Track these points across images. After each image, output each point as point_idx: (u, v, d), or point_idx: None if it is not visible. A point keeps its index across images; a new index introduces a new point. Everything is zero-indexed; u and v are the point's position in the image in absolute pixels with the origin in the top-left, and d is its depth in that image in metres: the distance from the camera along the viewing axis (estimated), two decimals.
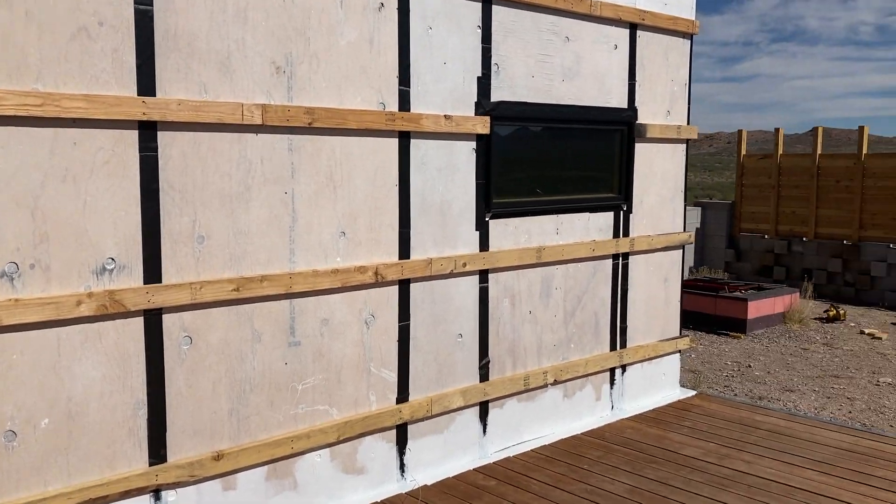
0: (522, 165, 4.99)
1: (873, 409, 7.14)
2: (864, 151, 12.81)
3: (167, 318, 3.44)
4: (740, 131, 14.39)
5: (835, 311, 11.07)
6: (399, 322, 4.29)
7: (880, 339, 10.07)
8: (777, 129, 13.90)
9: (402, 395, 4.35)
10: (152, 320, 3.40)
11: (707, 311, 10.53)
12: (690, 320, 10.62)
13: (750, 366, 8.65)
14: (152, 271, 3.38)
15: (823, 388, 7.80)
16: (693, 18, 5.86)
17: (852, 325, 10.95)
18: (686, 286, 11.19)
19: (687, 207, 14.38)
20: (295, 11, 3.73)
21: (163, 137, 3.38)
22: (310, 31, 3.79)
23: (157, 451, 3.46)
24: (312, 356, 3.94)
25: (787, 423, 5.40)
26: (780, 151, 13.77)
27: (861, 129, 12.92)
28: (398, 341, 4.30)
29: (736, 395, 7.52)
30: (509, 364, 4.92)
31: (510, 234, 4.83)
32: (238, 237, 3.63)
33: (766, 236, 13.98)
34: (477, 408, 4.76)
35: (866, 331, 10.42)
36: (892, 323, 11.10)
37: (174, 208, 3.43)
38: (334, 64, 3.90)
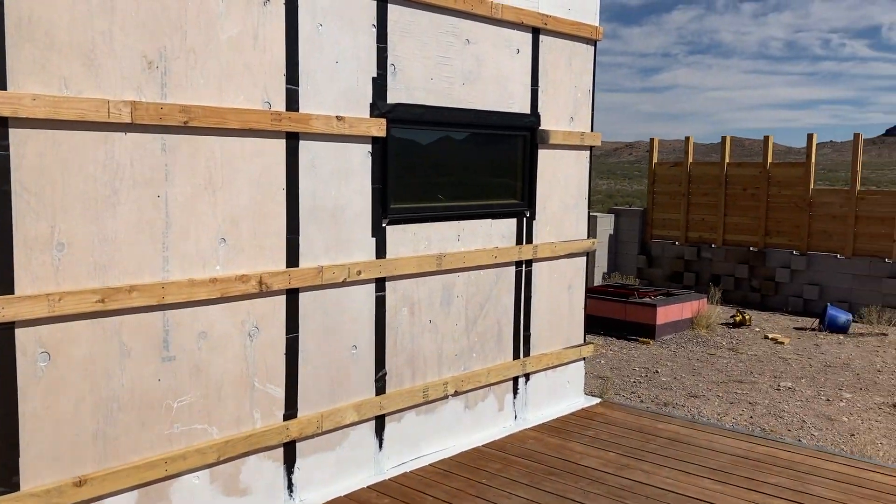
0: (422, 170, 4.85)
1: (773, 414, 7.27)
2: (770, 161, 13.20)
3: (21, 333, 3.15)
4: (652, 140, 14.65)
5: (741, 317, 11.33)
6: (287, 334, 4.08)
7: (782, 343, 10.33)
8: (687, 138, 14.20)
9: (291, 412, 4.13)
10: (3, 335, 3.10)
11: (617, 316, 10.61)
12: (601, 326, 10.70)
13: (657, 371, 8.73)
14: (3, 282, 3.08)
15: (727, 394, 7.91)
16: (597, 24, 5.84)
17: (757, 330, 11.22)
18: (597, 292, 11.27)
19: (601, 214, 14.52)
20: (170, 3, 3.49)
21: (15, 135, 3.08)
22: (187, 25, 3.55)
23: (9, 480, 3.15)
24: (189, 372, 3.69)
25: (688, 430, 5.41)
26: (691, 160, 14.07)
27: (766, 139, 13.31)
28: (286, 354, 4.08)
29: (642, 401, 7.56)
30: (408, 375, 4.76)
31: (409, 240, 4.68)
32: (104, 244, 3.35)
33: (677, 243, 14.25)
34: (373, 422, 4.57)
35: (770, 336, 10.69)
36: (795, 328, 11.43)
37: (30, 213, 3.14)
38: (214, 60, 3.66)
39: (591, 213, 14.49)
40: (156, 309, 3.53)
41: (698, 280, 13.89)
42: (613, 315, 10.65)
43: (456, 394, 5.05)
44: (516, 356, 5.52)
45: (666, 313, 10.45)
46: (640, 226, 14.67)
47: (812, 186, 12.75)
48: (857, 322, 11.46)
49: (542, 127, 5.49)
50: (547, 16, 5.37)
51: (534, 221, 5.53)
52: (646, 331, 10.34)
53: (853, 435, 6.70)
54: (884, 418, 7.22)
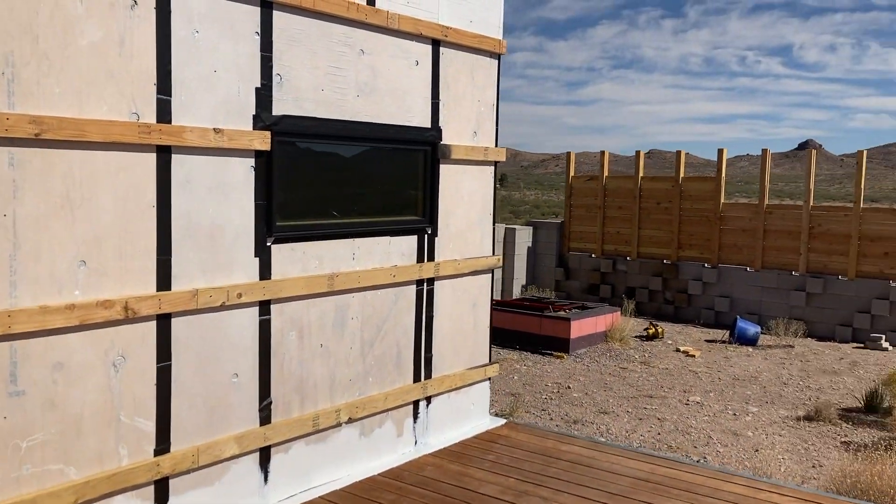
0: (313, 185, 4.61)
1: (680, 430, 7.26)
2: (682, 175, 13.41)
3: None
4: (569, 154, 14.73)
5: (654, 330, 11.42)
6: (158, 363, 3.77)
7: (693, 356, 10.44)
8: (602, 152, 14.32)
9: (163, 446, 3.83)
10: None
11: (532, 331, 10.55)
12: (517, 340, 10.62)
13: (569, 387, 8.67)
14: None
15: (637, 409, 7.89)
16: (500, 38, 5.71)
17: (669, 342, 11.32)
18: (513, 306, 11.20)
19: (519, 227, 14.47)
20: (17, 3, 3.17)
21: None
22: (38, 28, 3.24)
23: None
24: (42, 407, 3.35)
25: (590, 452, 5.30)
26: (606, 173, 14.19)
27: (678, 153, 13.52)
28: (157, 385, 3.78)
29: (552, 418, 7.46)
30: (296, 404, 4.50)
31: (297, 260, 4.43)
32: None
33: (594, 255, 14.34)
34: (256, 454, 4.29)
35: (681, 348, 10.79)
36: (706, 340, 11.59)
37: None
38: (73, 67, 3.36)
39: (510, 227, 14.48)
40: (0, 339, 3.20)
41: (614, 292, 14.00)
42: (528, 329, 10.58)
43: (350, 421, 4.81)
44: (417, 379, 5.31)
45: (580, 327, 10.44)
46: (558, 238, 14.71)
47: (723, 200, 13.00)
48: (765, 334, 11.69)
49: (444, 141, 5.32)
50: (447, 28, 5.21)
51: (436, 238, 5.35)
52: (560, 345, 10.30)
53: (757, 451, 6.74)
54: (787, 432, 7.30)
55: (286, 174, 4.32)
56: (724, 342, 11.34)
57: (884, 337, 11.26)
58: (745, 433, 7.23)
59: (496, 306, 11.18)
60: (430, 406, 5.44)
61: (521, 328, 10.65)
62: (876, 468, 5.10)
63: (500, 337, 10.82)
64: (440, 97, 5.26)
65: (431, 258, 5.33)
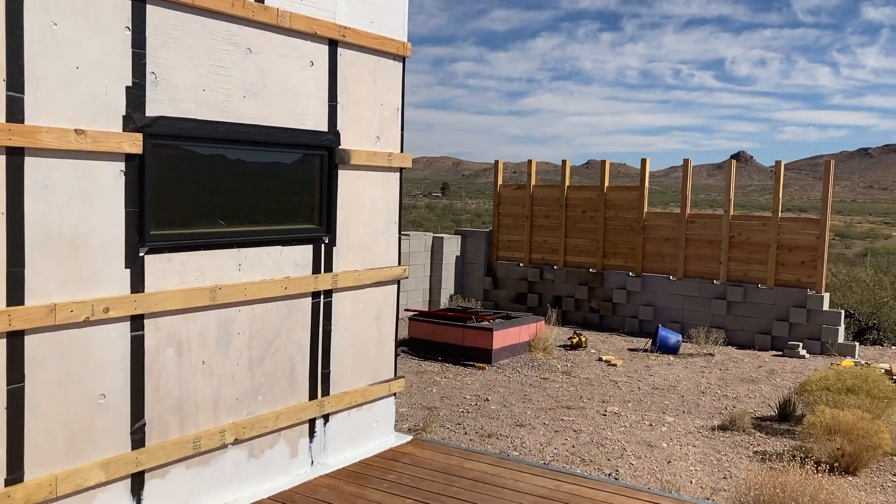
0: (195, 191, 4.32)
1: (596, 442, 7.15)
2: (607, 184, 13.44)
3: None
4: (497, 162, 14.65)
5: (577, 339, 11.37)
6: (8, 385, 3.44)
7: (615, 366, 10.40)
8: (530, 161, 14.27)
9: (15, 475, 3.49)
10: None
11: (455, 341, 10.37)
12: (439, 352, 10.42)
13: (488, 399, 8.50)
14: None
15: (554, 421, 7.76)
16: (404, 40, 5.52)
17: (593, 351, 11.28)
18: (436, 316, 11.00)
19: (447, 236, 14.30)
20: None
21: None
22: None
23: None
24: None
25: (495, 469, 5.12)
26: (534, 182, 14.14)
27: (603, 163, 13.56)
28: (7, 409, 3.44)
29: (467, 433, 7.27)
30: (175, 425, 4.20)
31: (175, 271, 4.13)
32: None
33: (521, 264, 14.26)
34: (128, 481, 3.98)
35: (604, 358, 10.75)
36: (629, 349, 11.59)
37: None
38: None
39: (437, 235, 14.31)
40: None
41: (541, 301, 13.94)
42: (451, 340, 10.40)
43: (237, 442, 4.52)
44: (313, 396, 5.06)
45: (503, 337, 10.30)
46: (487, 247, 14.60)
47: (646, 210, 13.06)
48: (687, 342, 11.75)
49: (343, 146, 5.09)
50: (346, 28, 4.99)
51: (334, 248, 5.11)
52: (482, 356, 10.14)
53: (670, 462, 6.67)
54: (701, 443, 7.26)
55: (162, 179, 4.04)
56: (646, 351, 11.35)
57: (801, 345, 11.42)
58: (660, 444, 7.16)
59: (419, 317, 10.98)
60: (328, 424, 5.19)
61: (443, 339, 10.46)
62: (780, 479, 5.04)
63: (423, 348, 10.61)
64: (338, 100, 5.03)
65: (329, 269, 5.09)
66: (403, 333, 11.54)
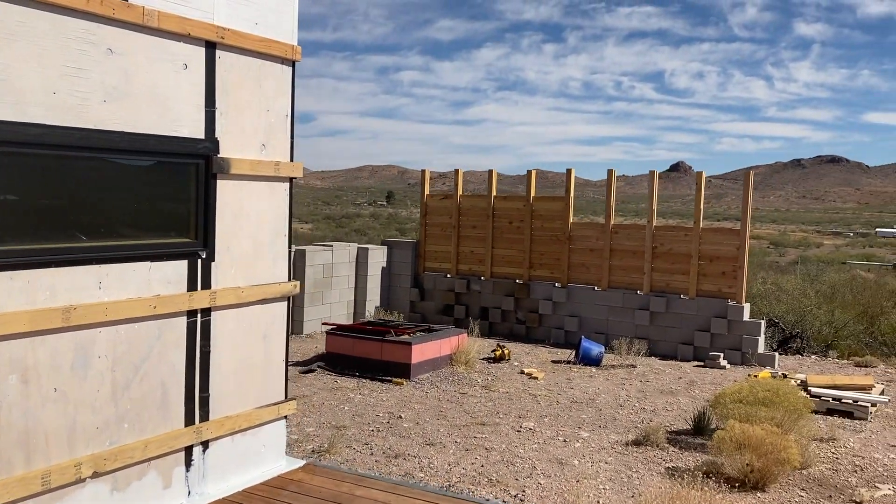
0: (46, 203, 3.96)
1: (506, 461, 6.94)
2: (533, 194, 13.33)
3: None
4: (423, 171, 14.43)
5: (500, 351, 11.18)
6: None
7: (537, 378, 10.24)
8: (456, 171, 14.09)
9: None
10: None
11: (374, 356, 10.07)
12: (357, 367, 10.12)
13: (401, 416, 8.23)
14: None
15: (466, 439, 7.53)
16: (294, 44, 5.24)
17: (516, 364, 11.11)
18: (353, 330, 10.70)
19: (372, 246, 13.98)
20: None
21: None
22: None
23: None
24: None
25: (386, 496, 4.85)
26: (461, 192, 13.95)
27: (529, 173, 13.45)
28: None
29: (373, 453, 6.98)
30: (20, 460, 3.82)
31: (20, 290, 3.77)
32: None
33: (449, 275, 14.05)
34: None
35: (526, 370, 10.58)
36: (553, 361, 11.45)
37: None
38: None
39: (362, 246, 14.00)
40: None
41: (468, 313, 13.74)
42: (369, 355, 10.10)
43: (96, 475, 4.16)
44: (190, 422, 4.72)
45: (422, 351, 10.04)
46: (413, 258, 14.35)
47: (571, 220, 12.99)
48: (610, 353, 11.68)
49: (223, 154, 4.78)
50: (225, 29, 4.69)
51: (213, 263, 4.79)
52: (401, 370, 9.86)
53: (579, 481, 6.49)
54: (614, 459, 7.11)
55: (4, 190, 3.67)
56: (569, 363, 11.23)
57: (722, 355, 11.45)
58: (572, 461, 6.99)
59: (337, 331, 10.66)
60: (207, 452, 4.85)
61: (361, 354, 10.16)
62: (679, 499, 4.89)
63: (341, 364, 10.29)
64: (217, 105, 4.72)
65: (207, 286, 4.76)
66: (322, 348, 11.21)
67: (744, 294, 11.72)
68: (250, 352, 5.12)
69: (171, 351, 4.57)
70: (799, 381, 9.70)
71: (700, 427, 7.92)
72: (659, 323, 12.23)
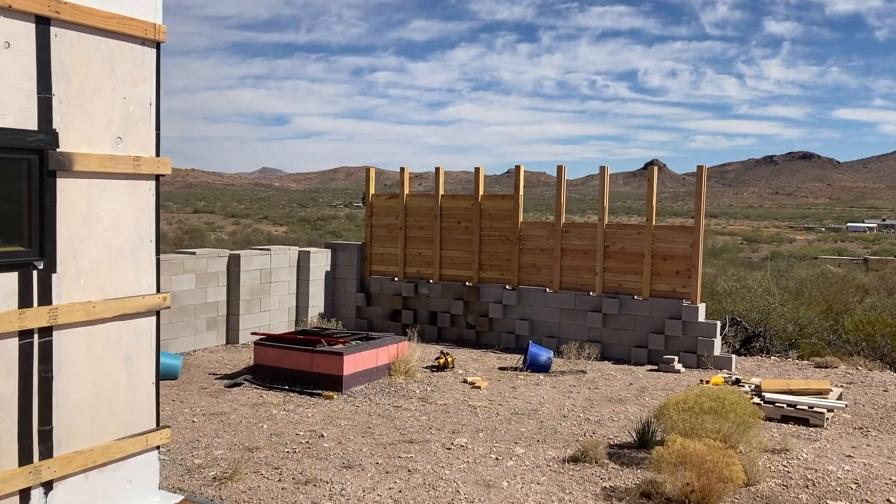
0: None
1: (429, 484, 6.32)
2: (481, 192, 12.73)
3: None
4: (368, 170, 13.77)
5: (444, 359, 10.57)
6: None
7: (479, 388, 9.64)
8: (402, 168, 13.47)
9: None
10: None
11: (303, 368, 9.42)
12: (286, 380, 9.46)
13: (323, 435, 7.58)
14: None
15: (390, 459, 6.90)
16: (157, 22, 4.59)
17: (460, 372, 10.50)
18: (283, 340, 10.04)
19: (314, 249, 13.29)
20: None
21: None
22: None
23: None
24: None
25: None
26: (407, 192, 13.32)
27: (477, 170, 12.86)
28: None
29: (282, 478, 6.33)
30: None
31: None
32: None
33: (396, 279, 13.42)
34: None
35: (469, 379, 9.97)
36: (500, 367, 10.85)
37: None
38: None
39: (303, 249, 13.31)
40: None
41: (416, 318, 13.12)
42: (299, 366, 9.44)
43: None
44: (26, 461, 4.05)
45: (355, 361, 9.40)
46: (359, 261, 13.69)
47: (521, 219, 12.41)
48: (560, 359, 11.10)
49: (64, 149, 4.12)
50: (62, 3, 4.03)
51: (54, 275, 4.12)
52: (332, 383, 9.21)
53: None
54: (547, 479, 6.51)
55: None
56: (516, 369, 10.64)
57: (676, 358, 10.93)
58: (501, 483, 6.39)
59: (265, 342, 9.98)
60: (51, 494, 4.18)
61: (291, 366, 9.50)
62: None
63: (270, 376, 9.62)
64: (54, 91, 4.05)
65: (47, 301, 4.09)
66: (249, 360, 10.53)
67: (699, 294, 11.20)
68: (108, 375, 4.46)
69: None
70: (753, 387, 9.18)
71: (644, 440, 7.35)
72: (612, 325, 11.68)
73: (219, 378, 9.95)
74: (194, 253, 11.87)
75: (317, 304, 13.36)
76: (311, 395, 9.09)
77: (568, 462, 6.95)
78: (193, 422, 8.00)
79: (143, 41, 4.54)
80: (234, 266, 12.11)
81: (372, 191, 13.67)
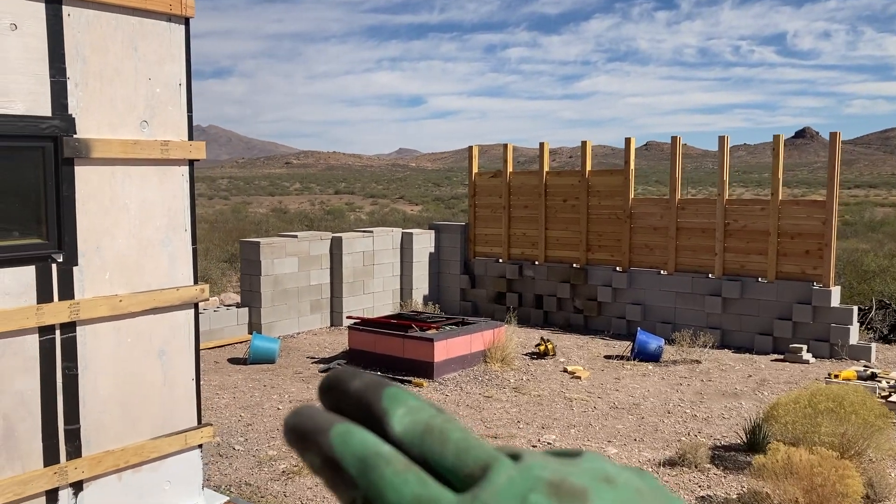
0: None
1: None
2: (589, 167, 11.98)
3: None
4: (471, 147, 13.29)
5: (544, 346, 10.01)
6: None
7: (579, 378, 9.03)
8: (506, 145, 12.90)
9: None
10: None
11: (396, 353, 9.14)
12: (379, 365, 9.21)
13: None
14: None
15: None
16: None
17: (562, 360, 9.91)
18: (377, 324, 9.79)
19: (417, 231, 13.01)
20: None
21: None
22: None
23: None
24: None
25: None
26: (510, 169, 12.76)
27: (584, 143, 12.10)
28: None
29: None
30: None
31: None
32: None
33: (500, 260, 12.92)
34: None
35: (569, 368, 9.38)
36: (606, 356, 10.17)
37: None
38: None
39: (406, 231, 13.05)
40: None
41: (521, 301, 12.59)
42: (391, 352, 9.17)
43: None
44: (52, 461, 3.90)
45: (447, 348, 9.02)
46: (463, 242, 13.29)
47: (632, 196, 11.57)
48: (673, 346, 10.26)
49: (82, 135, 3.91)
50: None
51: (75, 268, 3.94)
52: (423, 369, 8.89)
53: None
54: None
55: None
56: (622, 358, 9.92)
57: (805, 347, 9.84)
58: None
59: (359, 326, 9.78)
60: (81, 495, 4.02)
61: (383, 351, 9.25)
62: None
63: (363, 361, 9.41)
64: (68, 74, 3.84)
65: (69, 296, 3.91)
66: (345, 344, 10.38)
67: (831, 276, 10.03)
68: (141, 372, 4.26)
69: (15, 377, 3.75)
70: (894, 382, 8.08)
71: (754, 442, 6.55)
72: (732, 310, 10.70)
73: (315, 362, 9.85)
74: (296, 236, 11.85)
75: (421, 286, 13.09)
76: (402, 381, 8.78)
77: (664, 465, 6.29)
78: (278, 409, 7.88)
79: (169, 17, 4.27)
80: (336, 249, 12.01)
81: (475, 169, 13.19)
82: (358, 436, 0.34)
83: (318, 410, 0.35)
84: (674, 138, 11.26)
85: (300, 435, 0.35)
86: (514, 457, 0.35)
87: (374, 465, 0.33)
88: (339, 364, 9.51)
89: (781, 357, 9.98)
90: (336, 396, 0.37)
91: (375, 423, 0.35)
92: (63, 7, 3.81)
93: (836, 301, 10.08)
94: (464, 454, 0.34)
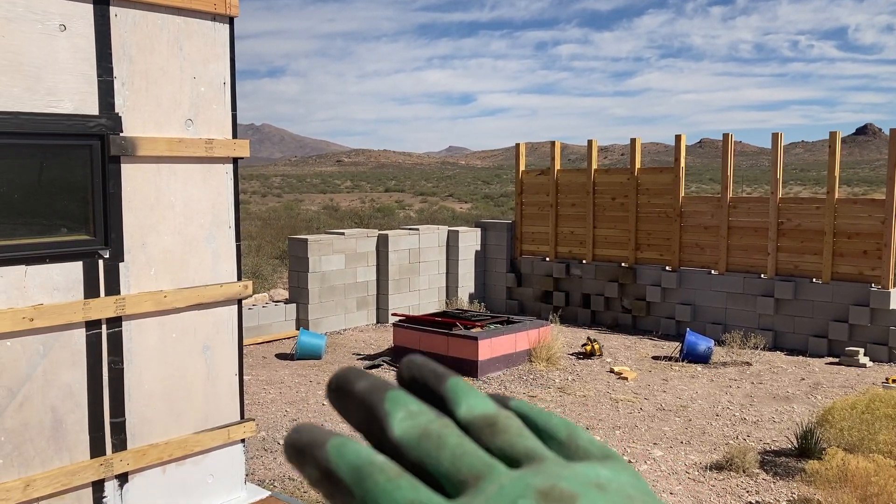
0: None
1: None
2: (638, 166, 11.80)
3: None
4: (518, 145, 13.21)
5: (590, 346, 9.89)
6: None
7: (626, 379, 8.90)
8: (553, 143, 12.79)
9: None
10: None
11: (440, 351, 9.13)
12: None
13: None
14: None
15: None
16: None
17: (608, 360, 9.78)
18: (421, 322, 9.79)
19: (464, 229, 12.99)
20: None
21: None
22: None
23: None
24: None
25: None
26: (558, 166, 12.65)
27: (633, 141, 11.92)
28: None
29: None
30: None
31: None
32: None
33: (547, 259, 12.82)
34: None
35: (616, 369, 9.25)
36: (653, 357, 10.01)
37: None
38: None
39: (452, 229, 13.04)
40: None
41: (568, 300, 12.47)
42: (435, 350, 9.16)
43: None
44: (98, 453, 3.98)
45: (491, 346, 8.98)
46: (509, 240, 13.22)
47: (682, 194, 11.36)
48: (723, 348, 10.05)
49: (128, 133, 3.97)
50: None
51: (121, 264, 4.01)
52: (468, 368, 8.86)
53: None
54: (682, 488, 5.77)
55: None
56: (671, 359, 9.75)
57: (862, 351, 9.54)
58: None
59: (404, 323, 9.80)
60: (127, 486, 4.10)
61: (427, 348, 9.24)
62: None
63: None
64: (115, 74, 3.91)
65: (115, 291, 3.98)
66: (390, 341, 10.41)
67: (890, 277, 9.69)
68: (185, 367, 4.32)
69: (64, 370, 3.83)
70: None
71: (806, 448, 6.36)
72: (785, 312, 10.42)
73: (360, 359, 9.91)
74: (343, 234, 11.93)
75: (466, 284, 13.06)
76: None
77: (711, 469, 6.15)
78: (323, 405, 7.94)
79: (214, 17, 4.32)
80: (382, 246, 12.06)
81: (522, 167, 13.11)
82: (352, 447, 0.35)
83: (316, 427, 0.37)
84: (725, 135, 11.02)
85: (299, 450, 0.36)
86: (518, 462, 0.36)
87: (368, 473, 0.34)
88: (384, 361, 9.55)
89: (836, 360, 9.69)
90: (342, 396, 0.38)
91: (377, 424, 0.37)
92: (110, 7, 3.87)
93: (895, 303, 9.74)
94: (458, 461, 0.35)
